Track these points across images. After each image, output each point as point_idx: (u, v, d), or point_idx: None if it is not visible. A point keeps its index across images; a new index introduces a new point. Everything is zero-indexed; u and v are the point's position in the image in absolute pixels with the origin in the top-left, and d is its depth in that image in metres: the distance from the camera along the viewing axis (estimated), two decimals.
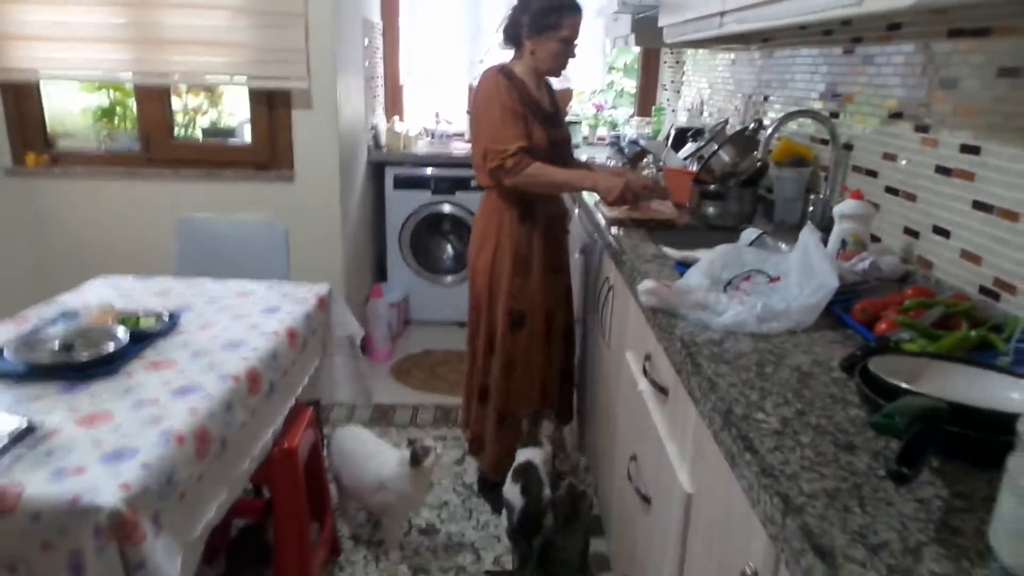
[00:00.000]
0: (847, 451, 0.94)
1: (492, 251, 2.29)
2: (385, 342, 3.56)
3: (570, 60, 2.30)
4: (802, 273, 1.48)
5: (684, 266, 1.69)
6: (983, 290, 1.46)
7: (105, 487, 1.17)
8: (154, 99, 3.16)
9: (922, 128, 1.69)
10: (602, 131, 4.40)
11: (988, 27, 1.47)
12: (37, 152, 3.11)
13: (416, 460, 2.00)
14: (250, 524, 2.09)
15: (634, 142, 3.50)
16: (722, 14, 2.10)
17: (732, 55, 3.14)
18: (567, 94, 4.32)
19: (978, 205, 1.49)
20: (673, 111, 4.00)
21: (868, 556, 0.74)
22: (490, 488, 2.42)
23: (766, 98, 2.68)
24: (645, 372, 1.59)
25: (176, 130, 3.31)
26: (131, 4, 2.91)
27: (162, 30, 2.95)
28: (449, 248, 4.14)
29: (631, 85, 4.60)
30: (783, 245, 1.77)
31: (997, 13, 1.44)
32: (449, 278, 4.03)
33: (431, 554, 2.18)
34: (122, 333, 1.68)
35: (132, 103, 3.25)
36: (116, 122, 3.51)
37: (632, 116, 4.38)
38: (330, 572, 2.09)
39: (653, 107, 4.10)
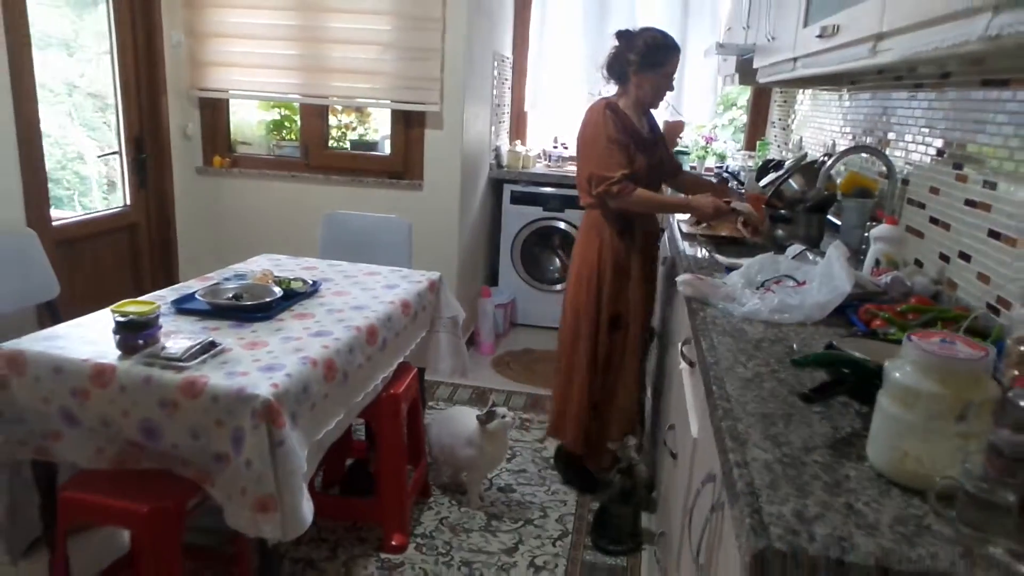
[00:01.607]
0: (795, 395, 1.23)
1: (595, 262, 2.55)
2: (490, 337, 3.99)
3: (668, 93, 2.58)
4: (823, 279, 1.75)
5: (732, 271, 1.98)
6: (989, 306, 1.67)
7: (261, 384, 1.63)
8: (315, 116, 3.79)
9: (958, 166, 1.91)
10: (710, 162, 4.66)
11: (1008, 79, 1.69)
12: (222, 156, 3.80)
13: (483, 421, 2.43)
14: (358, 460, 2.55)
15: (729, 171, 3.76)
16: (794, 59, 2.38)
17: (828, 96, 3.36)
18: (679, 126, 4.62)
19: (992, 233, 1.70)
20: (778, 147, 4.21)
21: (771, 446, 1.04)
22: (566, 462, 2.76)
23: (851, 135, 2.90)
24: (683, 355, 1.90)
25: (330, 142, 3.92)
26: (303, 39, 3.53)
27: (326, 61, 3.55)
28: (556, 260, 4.53)
29: None
30: (819, 259, 2.02)
31: (1015, 67, 1.66)
32: (556, 287, 4.41)
33: (505, 507, 2.55)
34: (277, 291, 2.18)
35: (297, 119, 3.89)
36: (283, 134, 4.18)
37: (740, 149, 4.61)
38: (420, 508, 2.50)
39: (759, 141, 4.33)
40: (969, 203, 1.82)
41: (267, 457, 1.60)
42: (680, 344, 1.97)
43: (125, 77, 3.25)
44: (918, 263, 2.07)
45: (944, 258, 1.93)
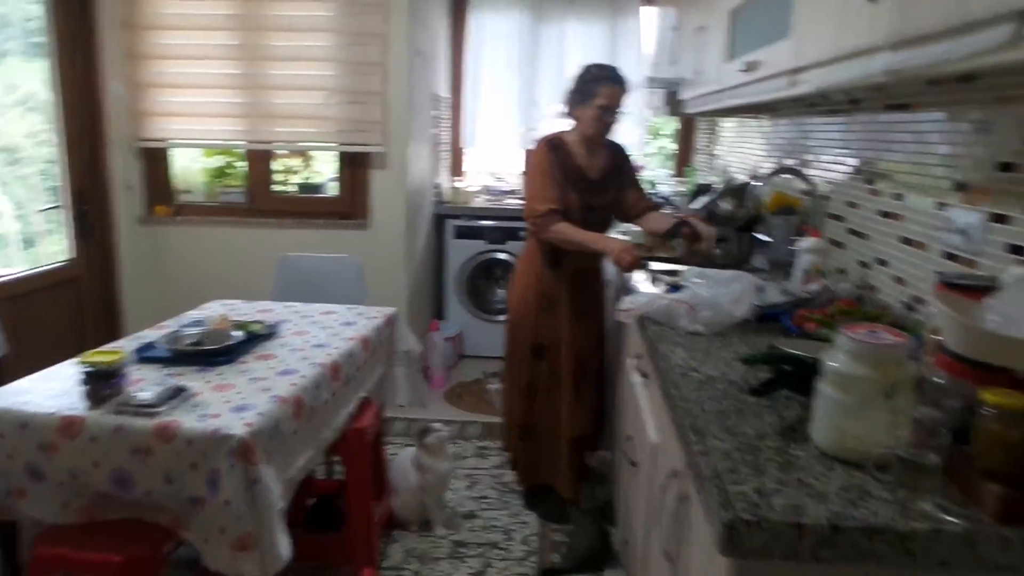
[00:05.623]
0: (744, 392, 1.35)
1: (524, 289, 2.65)
2: (441, 371, 4.04)
3: (612, 125, 2.56)
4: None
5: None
6: (906, 305, 1.84)
7: (234, 424, 1.66)
8: (259, 161, 3.83)
9: (870, 181, 2.10)
10: None
11: (908, 103, 1.89)
12: (165, 205, 3.79)
13: (421, 436, 2.61)
14: (323, 496, 2.56)
15: (661, 197, 3.98)
16: (720, 91, 2.57)
17: (751, 123, 3.59)
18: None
19: (904, 239, 1.88)
20: (705, 172, 4.45)
21: (728, 436, 1.16)
22: (526, 493, 2.84)
23: (774, 158, 3.11)
24: (636, 368, 2.02)
25: (274, 186, 3.96)
26: (248, 87, 3.59)
27: (270, 107, 3.61)
28: (500, 292, 4.63)
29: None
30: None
31: (917, 91, 1.85)
32: (500, 317, 4.50)
33: (469, 532, 2.61)
34: (238, 334, 2.21)
35: (239, 165, 3.91)
36: (227, 179, 4.20)
37: (670, 176, 4.84)
38: (386, 541, 2.53)
39: (686, 168, 4.56)
40: (883, 214, 2.01)
41: (244, 496, 1.62)
42: (634, 360, 2.09)
43: (68, 131, 3.23)
44: (841, 271, 2.25)
45: (864, 264, 2.11)
